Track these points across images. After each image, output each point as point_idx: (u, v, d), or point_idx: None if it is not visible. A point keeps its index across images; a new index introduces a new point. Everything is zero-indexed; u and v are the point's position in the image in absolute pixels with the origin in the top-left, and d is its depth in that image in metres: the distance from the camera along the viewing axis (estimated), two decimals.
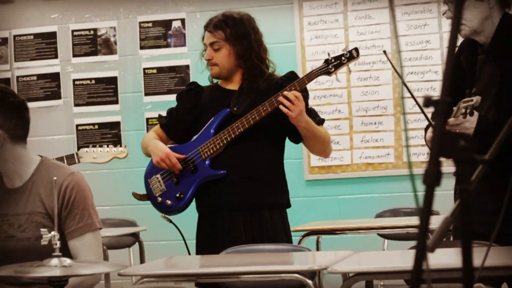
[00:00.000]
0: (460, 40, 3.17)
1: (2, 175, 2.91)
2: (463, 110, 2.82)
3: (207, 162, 3.62)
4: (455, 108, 2.86)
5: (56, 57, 6.39)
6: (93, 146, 4.36)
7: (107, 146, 4.37)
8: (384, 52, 3.48)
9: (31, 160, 2.90)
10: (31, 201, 2.85)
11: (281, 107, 3.47)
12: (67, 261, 2.40)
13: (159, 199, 3.70)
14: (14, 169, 2.87)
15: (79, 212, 2.83)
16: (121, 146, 4.43)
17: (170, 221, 3.70)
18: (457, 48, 3.20)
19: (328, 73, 3.64)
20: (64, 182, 2.82)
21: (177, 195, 3.66)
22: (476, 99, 2.82)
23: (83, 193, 2.86)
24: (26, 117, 2.87)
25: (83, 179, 2.90)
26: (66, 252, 2.75)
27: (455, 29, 1.27)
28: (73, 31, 6.37)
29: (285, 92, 3.47)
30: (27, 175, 2.88)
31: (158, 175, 3.70)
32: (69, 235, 2.82)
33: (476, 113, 2.87)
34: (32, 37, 6.42)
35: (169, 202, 3.68)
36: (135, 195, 3.80)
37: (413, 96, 3.24)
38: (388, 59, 3.46)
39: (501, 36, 3.02)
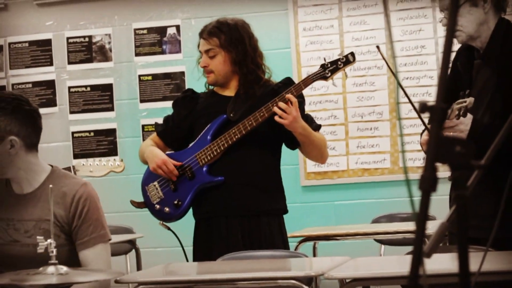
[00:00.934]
0: (457, 46, 3.18)
1: (10, 181, 2.92)
2: (457, 112, 2.83)
3: (204, 169, 3.61)
4: (449, 110, 2.86)
5: (51, 64, 6.38)
6: (89, 157, 4.36)
7: (104, 160, 4.37)
8: (377, 47, 3.38)
9: (42, 168, 2.91)
10: (40, 208, 2.85)
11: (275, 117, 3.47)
12: (63, 268, 2.39)
13: (157, 206, 3.70)
14: (24, 176, 2.88)
15: (92, 222, 2.85)
16: (117, 155, 4.43)
17: (169, 229, 3.69)
18: (454, 54, 3.20)
19: (325, 78, 3.64)
20: (77, 193, 2.83)
21: (175, 202, 3.65)
22: (470, 100, 2.82)
23: (96, 204, 2.88)
24: (40, 125, 2.89)
25: (94, 190, 2.92)
26: (74, 262, 2.76)
27: (450, 35, 1.28)
28: (68, 38, 6.36)
29: (280, 103, 3.47)
30: (37, 183, 2.89)
31: (156, 183, 3.70)
32: (81, 245, 2.82)
33: (470, 115, 2.87)
34: (27, 44, 6.41)
35: (167, 209, 3.68)
36: (133, 203, 3.79)
37: (409, 98, 3.21)
38: (381, 54, 3.34)
39: (497, 41, 3.03)
